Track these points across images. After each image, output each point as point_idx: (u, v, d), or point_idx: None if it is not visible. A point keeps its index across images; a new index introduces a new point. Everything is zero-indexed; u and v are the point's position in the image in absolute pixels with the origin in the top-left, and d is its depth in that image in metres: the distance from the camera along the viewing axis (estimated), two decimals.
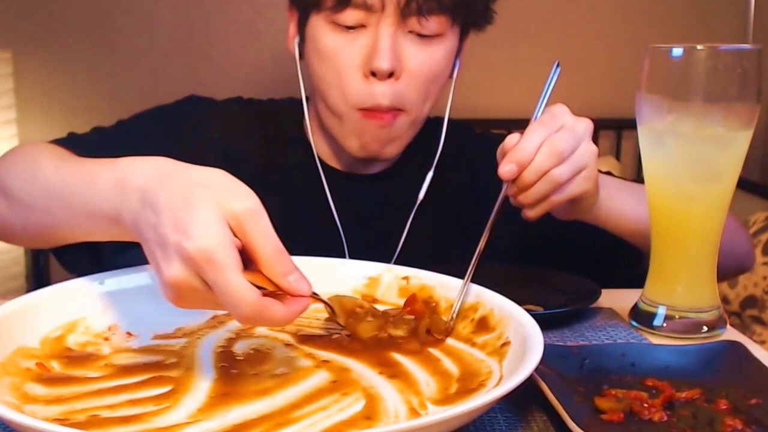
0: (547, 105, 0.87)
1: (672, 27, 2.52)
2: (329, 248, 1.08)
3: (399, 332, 0.74)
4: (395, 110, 1.02)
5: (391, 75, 0.99)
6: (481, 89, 2.45)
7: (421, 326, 0.74)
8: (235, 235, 0.59)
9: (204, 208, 0.58)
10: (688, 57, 0.80)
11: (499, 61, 2.48)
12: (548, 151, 0.82)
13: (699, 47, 0.79)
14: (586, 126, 0.85)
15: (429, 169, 1.11)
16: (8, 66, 2.22)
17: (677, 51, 0.80)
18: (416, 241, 1.12)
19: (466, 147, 1.18)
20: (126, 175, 0.66)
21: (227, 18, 2.36)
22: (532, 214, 0.86)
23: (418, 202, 1.11)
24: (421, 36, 1.00)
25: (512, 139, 0.84)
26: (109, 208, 0.67)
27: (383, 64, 0.97)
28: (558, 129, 0.83)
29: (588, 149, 0.84)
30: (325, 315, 0.80)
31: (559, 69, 0.89)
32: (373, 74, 0.99)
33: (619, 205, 0.96)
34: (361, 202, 1.13)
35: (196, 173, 0.62)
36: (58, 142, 0.99)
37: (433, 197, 1.12)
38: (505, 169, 0.82)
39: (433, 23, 0.99)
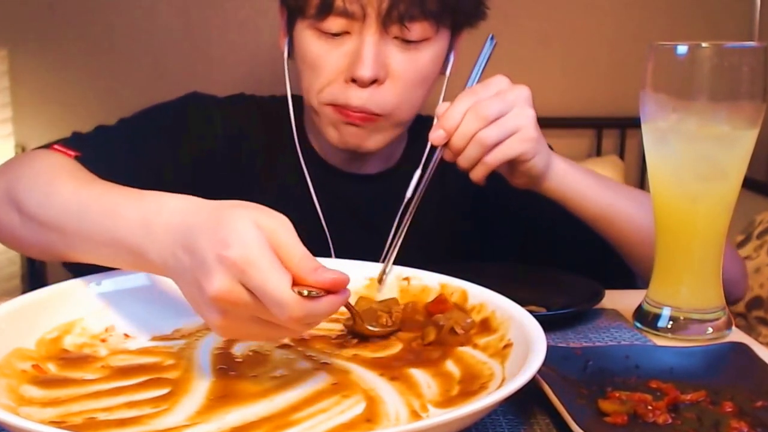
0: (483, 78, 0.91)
1: (677, 25, 2.52)
2: (314, 246, 1.06)
3: (431, 336, 0.74)
4: (370, 114, 1.00)
5: (374, 82, 0.98)
6: None
7: (446, 326, 0.74)
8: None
9: (240, 220, 0.59)
10: (693, 55, 0.79)
11: (502, 59, 2.47)
12: (474, 115, 0.87)
13: (704, 45, 0.78)
14: (519, 92, 0.89)
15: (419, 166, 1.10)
16: (4, 63, 2.21)
17: (682, 49, 0.79)
18: (407, 242, 1.11)
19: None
20: (151, 214, 0.66)
21: (226, 16, 2.35)
22: (473, 176, 0.91)
23: (406, 200, 1.09)
24: (406, 41, 0.99)
25: (442, 107, 0.90)
26: (132, 244, 0.67)
27: (365, 72, 0.97)
28: (489, 97, 0.88)
29: (522, 113, 0.88)
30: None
31: (494, 42, 0.92)
32: (355, 81, 0.98)
33: (576, 183, 0.96)
34: (353, 201, 1.13)
35: (224, 202, 0.63)
36: (63, 141, 0.98)
37: (432, 197, 1.11)
38: (434, 135, 0.89)
39: (417, 29, 0.98)
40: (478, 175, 0.90)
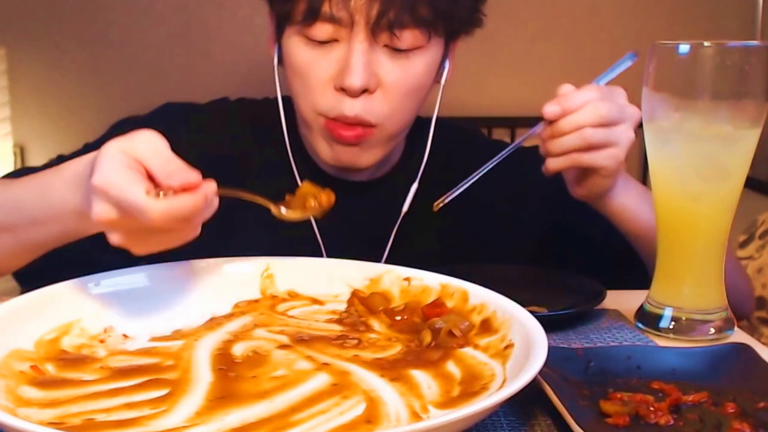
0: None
1: (679, 24, 2.51)
2: (306, 253, 1.05)
3: (428, 338, 0.73)
4: (364, 126, 0.98)
5: (364, 91, 0.96)
6: (485, 87, 2.45)
7: (444, 329, 0.73)
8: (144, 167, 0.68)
9: (104, 149, 0.69)
10: (695, 54, 0.79)
11: (504, 58, 2.47)
12: (592, 110, 0.87)
13: (706, 44, 0.78)
14: (633, 112, 0.90)
15: (416, 180, 1.09)
16: (2, 62, 2.21)
17: (684, 48, 0.79)
18: (402, 252, 1.10)
19: (457, 152, 1.15)
20: (75, 175, 0.75)
21: (225, 14, 2.35)
22: (552, 164, 0.91)
23: (402, 214, 1.08)
24: (397, 50, 0.96)
25: (566, 87, 0.90)
26: (73, 205, 0.75)
27: (355, 81, 0.94)
28: (611, 102, 0.88)
29: (627, 132, 0.89)
30: (325, 317, 0.80)
31: (635, 59, 0.91)
32: (344, 90, 0.96)
33: (631, 202, 0.98)
34: (346, 208, 1.10)
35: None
36: (9, 175, 0.99)
37: (422, 207, 1.10)
38: (549, 109, 0.89)
39: (408, 37, 0.95)
40: (557, 165, 0.91)
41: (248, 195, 0.77)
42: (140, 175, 0.67)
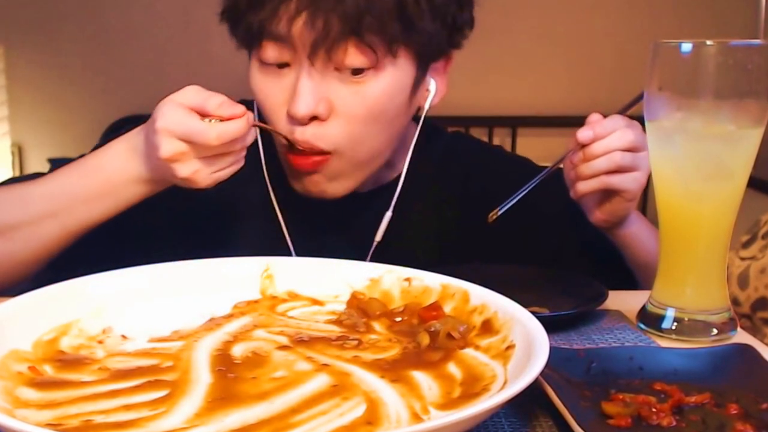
0: None
1: (681, 22, 2.51)
2: None
3: (426, 340, 0.73)
4: (317, 153, 0.96)
5: (314, 118, 0.94)
6: (487, 86, 2.45)
7: (442, 332, 0.73)
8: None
9: (160, 105, 0.86)
10: (698, 53, 0.78)
11: (506, 58, 2.47)
12: (620, 135, 0.94)
13: (709, 43, 0.78)
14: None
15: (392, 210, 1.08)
16: (0, 61, 2.21)
17: (687, 47, 0.78)
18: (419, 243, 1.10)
19: (454, 162, 1.14)
20: (127, 141, 0.92)
21: None
22: (582, 187, 0.96)
23: (375, 243, 1.07)
24: (351, 72, 0.93)
25: (596, 115, 0.97)
26: (130, 174, 0.90)
27: (299, 108, 0.92)
28: (635, 131, 0.95)
29: (647, 158, 0.93)
30: (325, 317, 0.80)
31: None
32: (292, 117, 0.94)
33: (642, 233, 1.04)
34: (321, 228, 1.09)
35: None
36: (9, 181, 1.03)
37: (394, 234, 1.08)
38: (583, 134, 0.95)
39: (353, 57, 0.91)
40: (588, 187, 0.96)
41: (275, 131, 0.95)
42: (194, 112, 0.84)
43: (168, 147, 0.84)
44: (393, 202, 1.08)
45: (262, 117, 0.99)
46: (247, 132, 0.86)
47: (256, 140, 1.04)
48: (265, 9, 0.91)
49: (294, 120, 0.94)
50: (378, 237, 1.07)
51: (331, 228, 1.09)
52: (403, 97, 0.98)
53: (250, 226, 1.09)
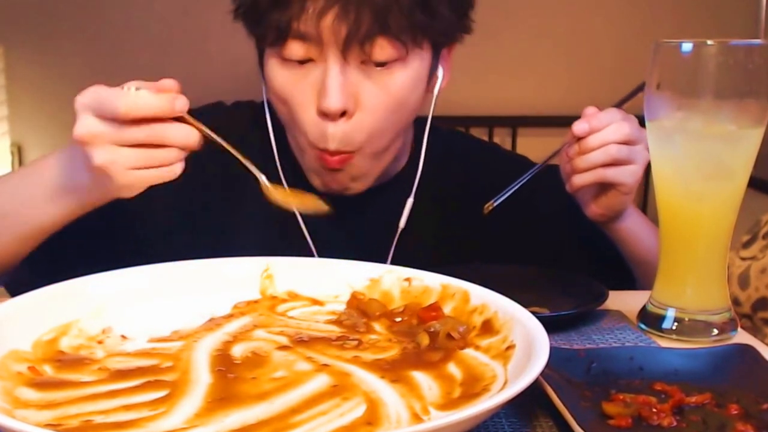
0: None
1: (682, 22, 2.51)
2: None
3: (425, 341, 0.73)
4: (345, 153, 0.97)
5: (343, 114, 0.94)
6: (487, 85, 2.44)
7: (442, 332, 0.73)
8: None
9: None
10: (698, 53, 0.78)
11: (506, 57, 2.47)
12: (616, 128, 0.94)
13: (709, 43, 0.78)
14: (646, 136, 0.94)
15: (411, 193, 1.08)
16: (0, 61, 2.21)
17: (687, 46, 0.78)
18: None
19: (454, 160, 1.15)
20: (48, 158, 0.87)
21: (224, 12, 2.35)
22: (578, 180, 0.96)
23: (399, 230, 1.08)
24: (376, 66, 0.93)
25: (591, 108, 0.96)
26: (60, 182, 0.85)
27: (332, 104, 0.92)
28: (632, 124, 0.95)
29: (643, 151, 0.95)
30: (325, 318, 0.79)
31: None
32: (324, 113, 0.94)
33: (638, 228, 1.04)
34: (339, 224, 1.07)
35: None
36: None
37: (416, 221, 1.09)
38: (578, 127, 0.94)
39: (383, 51, 0.92)
40: (583, 180, 0.96)
41: (235, 152, 0.83)
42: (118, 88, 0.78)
43: (82, 123, 0.77)
44: (414, 188, 1.08)
45: (274, 113, 1.01)
46: (168, 110, 0.77)
47: (267, 134, 1.07)
48: (291, 7, 0.91)
49: (326, 116, 0.94)
50: (402, 223, 1.08)
51: (350, 221, 1.09)
52: (423, 85, 1.00)
53: (265, 225, 1.08)
